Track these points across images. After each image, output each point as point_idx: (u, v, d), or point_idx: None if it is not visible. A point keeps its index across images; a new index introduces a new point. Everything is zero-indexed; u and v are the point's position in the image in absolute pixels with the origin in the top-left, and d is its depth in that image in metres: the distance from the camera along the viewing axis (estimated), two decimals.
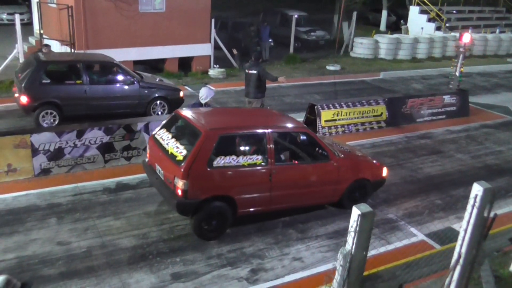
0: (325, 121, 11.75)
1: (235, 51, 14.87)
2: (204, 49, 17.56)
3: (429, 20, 27.43)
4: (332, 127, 11.89)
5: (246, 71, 10.83)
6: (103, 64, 12.14)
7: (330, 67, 19.94)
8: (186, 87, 15.21)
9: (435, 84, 18.85)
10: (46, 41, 16.74)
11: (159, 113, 12.10)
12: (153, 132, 8.00)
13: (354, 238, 4.05)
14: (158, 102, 12.08)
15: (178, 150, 6.98)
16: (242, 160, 7.07)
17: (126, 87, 11.75)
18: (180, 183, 6.64)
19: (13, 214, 7.49)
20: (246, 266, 6.59)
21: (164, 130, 7.68)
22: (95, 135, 9.04)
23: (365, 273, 4.53)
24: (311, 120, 11.91)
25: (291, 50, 21.34)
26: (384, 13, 32.02)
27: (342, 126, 12.05)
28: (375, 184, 8.45)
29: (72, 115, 11.08)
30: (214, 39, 17.81)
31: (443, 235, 7.61)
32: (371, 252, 5.82)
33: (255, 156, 7.20)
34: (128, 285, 6.04)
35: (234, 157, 7.02)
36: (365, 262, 4.32)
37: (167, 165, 7.08)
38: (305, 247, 7.16)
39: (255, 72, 10.58)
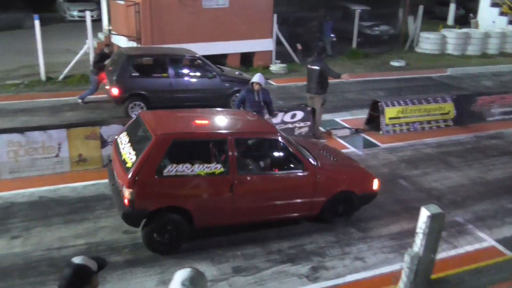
0: (389, 118, 11.46)
1: (299, 46, 14.74)
2: (266, 45, 17.57)
3: (501, 13, 26.05)
4: (396, 125, 11.58)
5: (309, 66, 10.73)
6: (187, 58, 12.52)
7: (394, 63, 19.43)
8: None
9: (507, 82, 17.90)
10: (114, 37, 17.37)
11: None
12: (116, 136, 7.47)
13: (423, 240, 3.93)
14: (237, 95, 12.29)
15: (129, 156, 6.40)
16: (197, 169, 6.38)
17: (208, 80, 12.09)
18: (126, 192, 6.09)
19: (83, 202, 7.84)
20: (306, 264, 6.56)
21: (125, 133, 7.07)
22: None
23: (433, 276, 4.40)
24: (374, 117, 11.66)
25: (354, 45, 20.95)
26: (452, 6, 30.73)
27: (407, 124, 11.71)
28: (363, 198, 7.56)
29: (158, 106, 11.44)
30: (276, 34, 17.80)
31: None
32: (439, 256, 5.65)
33: (213, 165, 6.48)
34: None
35: (188, 165, 6.33)
36: (433, 265, 4.19)
37: (119, 171, 6.51)
38: (367, 247, 7.03)
39: (318, 68, 10.46)
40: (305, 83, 11.24)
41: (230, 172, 6.55)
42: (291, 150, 7.03)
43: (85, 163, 8.86)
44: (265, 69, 17.07)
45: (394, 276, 4.96)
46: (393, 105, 11.54)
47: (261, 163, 7.27)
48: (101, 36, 19.05)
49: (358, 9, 22.09)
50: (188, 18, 15.77)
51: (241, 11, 16.56)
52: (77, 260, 3.22)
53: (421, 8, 22.24)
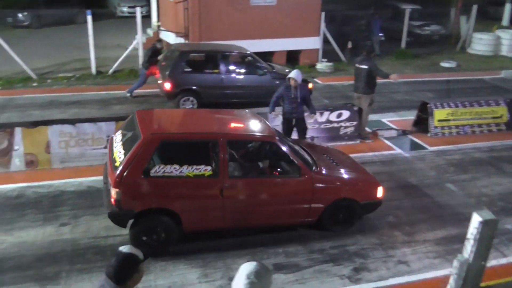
0: (438, 120, 11.15)
1: (350, 45, 14.63)
2: (312, 43, 17.46)
3: None
4: (446, 127, 11.26)
5: (357, 65, 10.56)
6: (239, 55, 12.65)
7: (445, 64, 18.90)
8: None
9: None
10: (162, 33, 17.68)
11: None
12: (113, 134, 7.43)
13: (473, 246, 3.80)
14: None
15: (119, 154, 6.31)
16: (186, 170, 6.20)
17: (258, 77, 12.20)
18: (112, 192, 6.00)
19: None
20: (348, 264, 6.48)
21: (120, 132, 6.97)
22: None
23: (482, 284, 4.26)
24: (423, 119, 11.38)
25: (403, 45, 20.50)
26: (508, 6, 29.61)
27: (457, 127, 11.36)
28: (366, 206, 7.18)
29: (208, 102, 11.74)
30: (323, 32, 17.64)
31: None
32: (489, 263, 5.45)
33: (203, 167, 6.27)
34: (232, 270, 6.19)
35: (176, 166, 6.15)
36: (483, 272, 4.05)
37: (109, 170, 6.40)
38: (411, 251, 6.86)
39: (366, 67, 10.28)
40: (351, 82, 11.09)
41: (220, 175, 6.31)
42: (287, 154, 6.71)
43: None
44: (311, 68, 16.98)
45: (442, 282, 4.83)
46: (443, 107, 11.22)
47: (256, 167, 7.00)
48: (149, 32, 19.42)
49: (408, 8, 21.62)
50: (236, 15, 15.85)
51: (289, 9, 16.50)
52: (125, 249, 3.31)
53: (474, 8, 21.53)
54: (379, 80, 10.71)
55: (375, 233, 7.25)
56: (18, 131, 8.50)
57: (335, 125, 10.49)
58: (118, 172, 5.98)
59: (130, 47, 15.51)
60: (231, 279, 5.89)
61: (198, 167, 6.25)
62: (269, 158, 7.04)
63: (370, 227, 7.38)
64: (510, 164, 9.98)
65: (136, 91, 13.16)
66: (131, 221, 6.32)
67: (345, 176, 7.25)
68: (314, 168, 6.95)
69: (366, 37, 18.33)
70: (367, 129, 10.98)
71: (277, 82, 12.03)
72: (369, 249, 6.85)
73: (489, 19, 29.93)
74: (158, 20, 18.33)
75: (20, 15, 22.80)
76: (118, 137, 6.83)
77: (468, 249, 3.87)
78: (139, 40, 15.46)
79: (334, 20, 20.92)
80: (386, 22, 21.25)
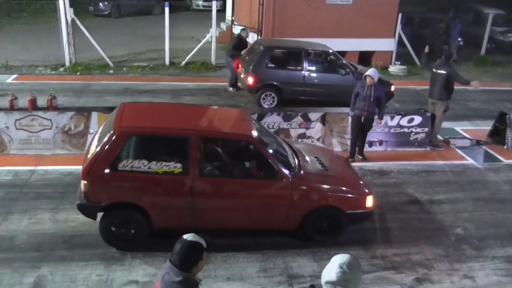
0: None
1: (427, 49, 14.13)
2: (386, 44, 17.05)
3: None
4: None
5: (434, 70, 10.19)
6: (322, 53, 12.64)
7: None
8: None
9: None
10: (235, 28, 17.88)
11: None
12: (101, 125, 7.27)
13: None
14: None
15: (93, 146, 6.32)
16: (155, 166, 6.07)
17: (341, 76, 12.12)
18: (81, 183, 6.02)
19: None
20: (411, 274, 6.29)
21: (104, 123, 6.95)
22: (274, 120, 9.40)
23: None
24: (500, 130, 10.82)
25: (483, 51, 19.57)
26: None
27: None
28: (353, 216, 6.70)
29: (289, 99, 11.87)
30: (399, 34, 17.18)
31: None
32: None
33: (172, 163, 6.10)
34: (291, 268, 6.20)
35: (145, 161, 6.04)
36: None
37: (84, 161, 6.39)
38: (479, 266, 6.57)
39: (444, 72, 9.90)
40: (425, 87, 10.74)
41: (190, 173, 6.14)
42: (264, 155, 6.37)
43: None
44: (383, 70, 16.58)
45: None
46: None
47: (231, 167, 6.68)
48: (223, 26, 19.71)
49: (491, 12, 20.59)
50: (310, 12, 15.76)
51: (364, 9, 16.20)
52: (189, 237, 3.37)
53: None
54: (456, 87, 10.29)
55: (441, 244, 7.00)
56: (94, 115, 8.90)
57: (406, 130, 10.18)
58: (86, 164, 6.05)
59: (204, 40, 15.81)
60: (289, 276, 5.98)
61: (167, 163, 6.12)
62: (246, 159, 6.64)
63: (436, 237, 7.14)
64: None
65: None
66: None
67: (331, 182, 6.79)
68: (295, 171, 6.57)
69: (444, 42, 17.66)
70: (439, 137, 10.58)
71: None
72: (433, 260, 6.62)
73: None
74: (233, 15, 18.55)
75: (101, 4, 23.90)
76: (100, 129, 6.85)
77: None
78: (213, 34, 15.72)
79: (411, 22, 20.31)
80: (466, 26, 20.38)
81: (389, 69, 16.69)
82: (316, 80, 12.11)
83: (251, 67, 11.85)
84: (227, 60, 13.37)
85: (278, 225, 6.67)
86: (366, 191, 6.83)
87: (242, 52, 13.00)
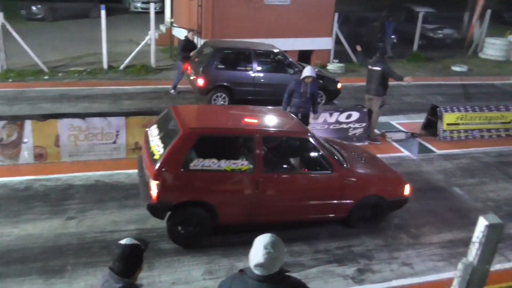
0: (447, 124, 11.12)
1: (358, 48, 14.67)
2: (324, 43, 17.46)
3: None
4: (455, 131, 11.22)
5: (369, 67, 10.54)
6: (270, 53, 12.78)
7: (456, 68, 18.82)
8: None
9: None
10: (174, 29, 17.76)
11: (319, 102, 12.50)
12: (148, 128, 7.50)
13: (478, 250, 3.80)
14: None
15: (157, 148, 6.46)
16: (224, 164, 6.34)
17: (290, 76, 12.26)
18: (152, 184, 6.14)
19: (137, 189, 8.03)
20: (353, 265, 6.49)
21: (155, 126, 7.14)
22: None
23: (485, 287, 4.25)
24: (432, 122, 11.34)
25: (415, 47, 20.44)
26: None
27: (466, 131, 11.32)
28: (393, 203, 7.34)
29: (240, 99, 11.96)
30: (336, 33, 17.63)
31: None
32: (494, 267, 5.44)
33: (240, 161, 6.45)
34: (236, 268, 6.18)
35: (215, 160, 6.30)
36: (487, 276, 4.05)
37: (147, 163, 6.57)
38: (416, 253, 6.87)
39: (379, 69, 10.26)
40: (362, 83, 11.09)
41: (256, 170, 6.46)
42: (320, 150, 6.87)
43: (140, 151, 9.09)
44: (322, 68, 16.94)
45: (447, 284, 4.83)
46: (452, 111, 11.18)
47: (289, 163, 7.18)
48: (162, 28, 19.52)
49: (422, 11, 21.53)
50: (249, 13, 15.89)
51: (302, 9, 16.51)
52: (127, 241, 3.33)
53: (488, 13, 21.39)
54: (391, 83, 10.69)
55: (380, 234, 7.26)
56: (28, 123, 8.54)
57: (344, 126, 10.48)
58: (158, 165, 6.12)
59: (143, 43, 15.59)
60: None
61: (235, 161, 6.42)
62: (302, 154, 7.20)
63: (376, 228, 7.38)
64: None
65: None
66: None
67: (374, 173, 7.44)
68: (344, 164, 7.09)
69: (379, 39, 18.29)
70: (376, 131, 10.97)
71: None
72: (374, 250, 6.86)
73: (503, 24, 29.74)
74: (172, 17, 18.40)
75: (34, 7, 23.03)
76: (154, 132, 6.97)
77: (473, 253, 3.87)
78: (152, 36, 15.52)
79: (347, 21, 20.90)
80: (399, 24, 21.20)
81: (327, 67, 17.09)
82: (265, 80, 12.27)
83: (201, 69, 11.87)
84: (177, 64, 13.33)
85: (332, 215, 7.12)
86: (404, 180, 7.39)
87: (191, 54, 12.96)
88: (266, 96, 12.13)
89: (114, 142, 8.95)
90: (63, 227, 6.85)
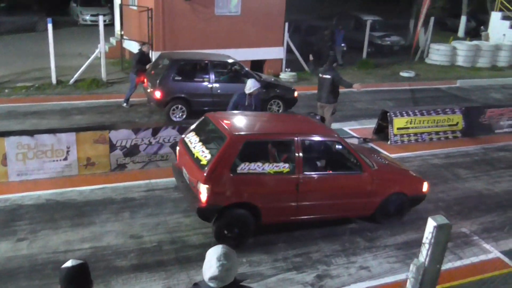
0: (398, 128, 11.45)
1: (311, 58, 14.91)
2: (276, 53, 17.65)
3: None
4: (405, 135, 11.56)
5: (320, 75, 10.73)
6: (227, 64, 12.80)
7: (404, 74, 19.42)
8: None
9: None
10: (125, 42, 17.53)
11: (276, 111, 12.77)
12: (183, 135, 7.87)
13: (428, 250, 3.91)
14: (274, 101, 12.72)
15: (203, 154, 6.82)
16: (268, 167, 6.78)
17: None
18: (202, 188, 6.44)
19: (90, 205, 7.88)
20: (312, 272, 6.55)
21: (193, 133, 7.50)
22: (169, 133, 9.33)
23: (438, 287, 4.37)
24: (383, 127, 11.65)
25: (364, 55, 20.99)
26: (463, 18, 30.74)
27: (415, 134, 11.69)
28: (414, 200, 7.91)
29: (198, 110, 11.75)
30: (287, 42, 17.86)
31: None
32: (444, 266, 5.62)
33: (282, 164, 6.90)
34: (194, 281, 6.16)
35: (259, 163, 6.73)
36: (438, 275, 4.16)
37: (192, 169, 6.92)
38: (372, 257, 7.00)
39: (329, 77, 10.47)
40: (314, 91, 11.26)
41: (296, 171, 6.90)
42: (351, 152, 7.45)
43: (93, 167, 8.91)
44: (275, 77, 17.11)
45: (400, 286, 4.95)
46: (402, 115, 11.53)
47: (324, 164, 7.73)
48: (113, 40, 19.23)
49: (369, 19, 22.16)
50: (200, 24, 15.89)
51: (253, 19, 16.66)
52: (72, 263, 3.23)
53: (432, 20, 22.24)
54: (342, 90, 10.91)
55: (337, 239, 7.36)
56: None
57: None
58: (207, 169, 6.44)
59: (92, 56, 15.29)
60: None
61: (277, 164, 6.86)
62: (337, 156, 7.73)
63: (333, 233, 7.49)
64: (465, 169, 10.34)
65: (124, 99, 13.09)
66: None
67: (397, 172, 8.12)
68: (372, 165, 7.59)
69: (329, 48, 18.67)
70: None
71: (264, 90, 12.34)
72: (332, 256, 6.95)
73: (446, 30, 30.99)
74: (122, 29, 18.16)
75: None
76: (193, 138, 7.32)
77: (424, 253, 3.97)
78: (101, 49, 15.26)
79: (298, 30, 21.26)
80: (348, 32, 21.73)
81: (280, 76, 17.27)
82: (223, 90, 12.21)
83: (158, 81, 11.75)
84: (131, 77, 13.14)
85: (360, 212, 7.73)
86: (422, 178, 8.05)
87: (147, 67, 12.82)
88: (224, 107, 12.07)
89: (65, 159, 8.71)
90: (14, 249, 6.59)
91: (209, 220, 6.76)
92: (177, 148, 7.94)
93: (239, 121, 7.68)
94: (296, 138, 7.00)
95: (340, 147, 7.62)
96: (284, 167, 6.88)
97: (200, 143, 7.09)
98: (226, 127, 6.97)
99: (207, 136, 7.31)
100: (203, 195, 6.44)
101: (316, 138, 7.58)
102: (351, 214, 7.78)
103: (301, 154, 6.94)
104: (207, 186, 6.40)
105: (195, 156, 6.92)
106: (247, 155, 6.73)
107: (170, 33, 15.57)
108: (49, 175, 8.65)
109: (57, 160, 8.67)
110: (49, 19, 14.18)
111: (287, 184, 6.94)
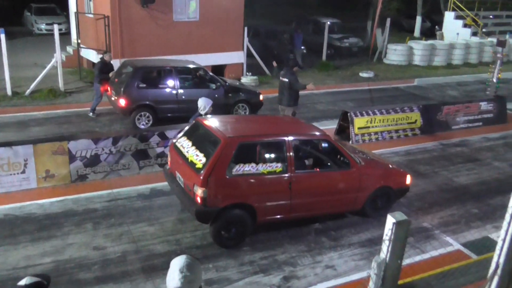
0: (358, 128, 11.65)
1: (274, 64, 15.03)
2: (237, 57, 17.70)
3: (465, 25, 26.92)
4: (365, 134, 11.77)
5: (280, 78, 10.85)
6: (192, 69, 12.74)
7: (364, 74, 19.79)
8: None
9: (471, 91, 18.46)
10: (82, 50, 17.22)
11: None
12: (174, 140, 8.03)
13: (389, 247, 3.99)
14: (240, 105, 12.77)
15: (197, 157, 6.94)
16: (261, 167, 6.99)
17: (212, 90, 12.36)
18: (199, 191, 6.60)
19: (51, 219, 7.69)
20: (278, 274, 6.57)
21: (184, 138, 7.65)
22: (130, 142, 9.21)
23: (400, 282, 4.46)
24: (344, 128, 11.83)
25: (324, 57, 21.27)
26: (419, 19, 31.59)
27: (376, 133, 11.92)
28: (398, 192, 8.26)
29: (164, 117, 11.86)
30: (247, 47, 17.94)
31: (480, 244, 7.43)
32: (406, 261, 5.74)
33: (274, 164, 7.11)
34: None
35: (253, 164, 6.95)
36: (400, 271, 4.25)
37: (186, 172, 7.06)
38: (337, 255, 7.09)
39: (287, 80, 10.58)
40: (276, 95, 11.34)
41: (288, 171, 7.13)
42: (340, 150, 7.71)
43: (52, 179, 8.70)
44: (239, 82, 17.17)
45: (361, 283, 5.03)
46: (362, 115, 11.73)
47: (314, 162, 7.91)
48: (69, 49, 18.86)
49: (328, 22, 22.49)
50: (159, 31, 15.78)
51: (212, 24, 16.66)
52: (26, 280, 3.14)
53: (389, 21, 22.76)
54: (303, 92, 11.04)
55: (303, 240, 7.42)
56: None
57: None
58: (204, 172, 6.59)
59: (49, 66, 14.93)
60: None
61: (270, 164, 7.05)
62: (326, 154, 7.92)
63: (298, 234, 7.54)
64: (424, 165, 10.61)
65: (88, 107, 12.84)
66: None
67: (382, 167, 8.34)
68: (359, 161, 7.81)
69: (290, 51, 18.84)
70: None
71: (230, 95, 12.54)
72: (297, 256, 6.99)
73: (403, 31, 31.77)
74: (78, 38, 17.82)
75: None
76: (185, 143, 7.46)
77: (385, 250, 4.06)
78: (58, 59, 14.93)
79: (257, 34, 21.37)
80: (307, 36, 21.98)
81: (241, 81, 17.29)
82: (189, 96, 12.16)
83: (122, 89, 11.63)
84: (95, 86, 12.95)
85: (350, 207, 7.97)
86: (405, 172, 8.41)
87: (110, 75, 12.64)
88: (190, 113, 11.98)
89: (23, 172, 8.47)
90: None
91: (207, 221, 6.93)
92: (168, 153, 8.06)
93: (231, 124, 7.89)
94: (287, 139, 7.23)
95: (329, 145, 7.88)
96: (277, 166, 7.09)
97: (193, 147, 7.23)
98: (220, 130, 7.15)
99: (200, 140, 7.44)
100: (200, 198, 6.59)
101: (306, 137, 7.91)
102: (341, 210, 8.01)
103: (292, 154, 7.19)
104: (204, 188, 6.55)
105: (189, 160, 7.04)
106: (241, 156, 6.91)
107: (128, 41, 15.40)
108: (6, 189, 8.40)
109: (14, 174, 8.41)
110: (1, 30, 13.78)
111: (280, 183, 7.14)
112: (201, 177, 6.58)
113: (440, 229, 7.93)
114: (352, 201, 7.84)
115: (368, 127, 11.80)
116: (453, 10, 27.54)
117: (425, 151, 11.60)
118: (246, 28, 17.71)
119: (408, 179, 8.27)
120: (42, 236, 7.15)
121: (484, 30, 26.91)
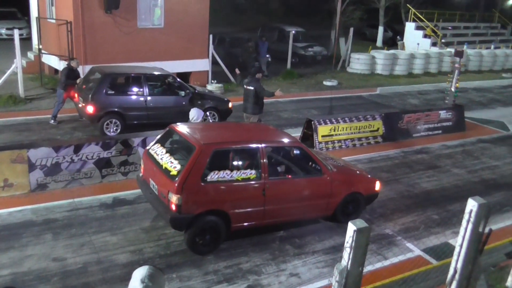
0: (322, 136, 11.79)
1: (237, 71, 15.08)
2: (202, 65, 17.66)
3: (425, 36, 27.71)
4: (329, 142, 11.93)
5: (245, 86, 10.87)
6: (161, 76, 12.65)
7: (327, 83, 20.06)
8: None
9: (431, 99, 18.97)
10: (44, 56, 16.86)
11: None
12: (147, 147, 7.99)
13: (350, 254, 4.05)
14: (209, 112, 12.72)
15: (172, 165, 6.96)
16: (236, 174, 7.06)
17: (181, 97, 12.34)
18: (174, 198, 6.61)
19: (9, 229, 7.46)
20: (242, 283, 6.56)
21: (158, 145, 7.64)
22: (92, 150, 9.05)
23: None
24: (308, 135, 11.95)
25: (289, 65, 21.46)
26: (381, 29, 32.30)
27: (339, 141, 12.09)
28: (369, 198, 8.45)
29: (133, 124, 11.73)
30: (212, 54, 17.93)
31: (439, 250, 7.61)
32: (367, 268, 5.85)
33: (248, 171, 7.19)
34: None
35: (228, 171, 7.01)
36: (361, 278, 4.31)
37: (161, 180, 7.04)
38: (302, 263, 7.13)
39: (253, 88, 10.63)
40: (241, 102, 11.36)
41: (262, 177, 7.22)
42: (312, 157, 7.85)
43: (11, 189, 8.45)
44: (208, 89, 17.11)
45: None
46: (326, 123, 11.89)
47: (287, 168, 7.98)
48: (30, 55, 18.42)
49: (292, 30, 22.71)
50: (122, 37, 15.60)
51: (177, 32, 16.59)
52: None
53: (351, 31, 23.18)
54: (268, 100, 11.09)
55: (267, 248, 7.44)
56: None
57: None
58: (179, 179, 6.61)
59: (8, 72, 14.53)
60: None
61: (244, 171, 7.11)
62: (298, 161, 8.05)
63: (262, 242, 7.55)
64: (387, 173, 10.82)
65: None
66: None
67: (351, 174, 8.48)
68: (330, 168, 7.94)
69: (255, 59, 18.93)
70: None
71: (199, 102, 12.45)
72: (262, 265, 7.00)
73: (366, 40, 32.41)
74: (40, 43, 17.43)
75: None
76: (159, 150, 7.46)
77: (346, 257, 4.11)
78: (18, 64, 14.55)
79: (222, 42, 21.40)
80: (272, 44, 22.13)
81: (206, 88, 17.26)
82: (158, 103, 12.11)
83: (90, 96, 11.41)
84: (58, 92, 12.66)
85: (322, 213, 8.11)
86: (375, 178, 8.59)
87: (78, 81, 12.41)
88: (159, 120, 11.96)
89: None
90: None
91: (181, 229, 6.94)
92: (141, 160, 8.01)
93: (205, 131, 7.95)
94: (261, 146, 7.32)
95: (301, 152, 7.99)
96: (251, 173, 7.17)
97: (168, 154, 7.25)
98: (194, 137, 7.19)
99: (174, 147, 7.54)
100: (175, 205, 6.60)
101: (279, 144, 8.05)
102: (313, 215, 8.12)
103: (266, 161, 7.29)
104: (178, 196, 6.56)
105: (163, 167, 7.03)
106: (215, 163, 6.94)
107: (91, 47, 15.15)
108: None
109: None
110: None
111: (254, 190, 7.22)
112: (176, 184, 6.59)
113: (402, 236, 8.10)
114: (324, 207, 7.97)
115: (332, 135, 11.97)
116: (414, 21, 28.32)
117: (387, 158, 11.84)
118: (211, 36, 17.71)
119: (378, 185, 8.47)
120: None
121: (443, 40, 27.74)
